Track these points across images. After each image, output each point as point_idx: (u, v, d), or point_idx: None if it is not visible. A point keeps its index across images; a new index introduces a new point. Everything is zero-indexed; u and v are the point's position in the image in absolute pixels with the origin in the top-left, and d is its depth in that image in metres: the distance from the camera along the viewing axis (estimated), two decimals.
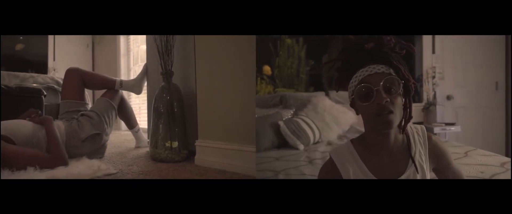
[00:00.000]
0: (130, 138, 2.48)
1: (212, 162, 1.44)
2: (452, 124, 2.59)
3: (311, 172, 1.23)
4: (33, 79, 2.89)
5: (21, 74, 2.95)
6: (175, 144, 1.57)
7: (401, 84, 0.60)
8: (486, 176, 1.10)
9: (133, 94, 3.29)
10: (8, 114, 1.57)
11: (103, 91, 1.87)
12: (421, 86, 2.81)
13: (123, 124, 3.59)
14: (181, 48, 1.78)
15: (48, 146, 1.41)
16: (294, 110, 2.04)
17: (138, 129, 2.09)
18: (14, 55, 3.60)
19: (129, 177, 1.28)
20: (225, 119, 1.41)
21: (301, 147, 1.68)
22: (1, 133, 1.32)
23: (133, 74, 3.70)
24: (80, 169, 1.31)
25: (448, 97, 2.76)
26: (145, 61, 3.45)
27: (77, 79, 1.77)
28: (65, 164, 1.35)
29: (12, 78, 2.81)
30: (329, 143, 1.78)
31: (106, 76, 1.91)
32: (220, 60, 1.44)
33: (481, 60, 2.65)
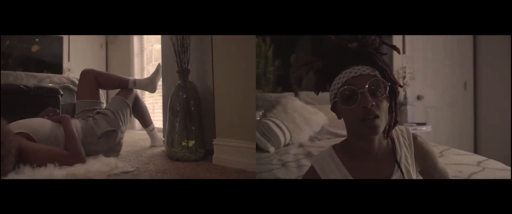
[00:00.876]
0: (144, 137, 2.51)
1: (230, 161, 1.44)
2: (423, 124, 2.62)
3: (285, 175, 1.22)
4: (49, 80, 3.01)
5: (38, 74, 3.08)
6: (192, 143, 1.59)
7: (388, 87, 0.58)
8: (464, 175, 1.10)
9: (146, 94, 3.35)
10: (27, 113, 1.63)
11: (117, 91, 1.92)
12: None
13: (137, 123, 3.67)
14: (198, 46, 1.79)
15: (66, 143, 1.46)
16: (262, 111, 2.02)
17: (153, 128, 2.12)
18: (30, 57, 3.75)
19: (146, 175, 1.30)
20: (243, 117, 1.41)
21: (272, 149, 1.66)
22: (22, 131, 1.37)
23: (147, 74, 3.77)
24: (98, 166, 1.35)
25: (419, 97, 2.78)
26: (158, 60, 3.50)
27: (92, 80, 1.83)
28: (82, 161, 1.39)
29: (30, 79, 2.94)
30: (300, 145, 1.75)
31: (119, 76, 1.96)
32: (238, 59, 1.44)
33: (450, 60, 2.71)
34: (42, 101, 2.16)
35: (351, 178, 0.61)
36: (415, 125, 2.69)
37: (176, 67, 1.69)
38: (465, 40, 2.68)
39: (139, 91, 2.14)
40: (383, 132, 0.61)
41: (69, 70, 3.98)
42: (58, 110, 1.79)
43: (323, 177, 0.63)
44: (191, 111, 1.62)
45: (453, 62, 2.70)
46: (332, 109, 0.65)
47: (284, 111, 1.87)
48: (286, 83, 2.41)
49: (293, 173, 1.22)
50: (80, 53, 4.11)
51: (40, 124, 1.48)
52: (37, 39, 3.79)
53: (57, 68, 3.86)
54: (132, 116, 1.99)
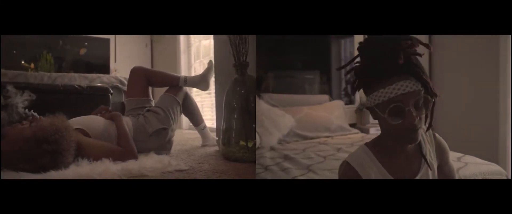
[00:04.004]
0: (193, 137, 2.56)
1: None
2: None
3: (272, 178, 1.27)
4: (99, 80, 3.30)
5: (89, 75, 3.40)
6: (251, 143, 1.54)
7: (431, 102, 0.66)
8: None
9: (194, 92, 3.47)
10: (81, 111, 1.78)
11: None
12: None
13: (184, 123, 3.82)
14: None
15: (119, 140, 1.53)
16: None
17: (205, 126, 2.13)
18: (79, 60, 4.20)
19: (201, 174, 1.30)
20: None
21: None
22: (79, 127, 1.49)
23: (194, 71, 3.92)
24: (151, 163, 1.39)
25: None
26: (206, 57, 3.59)
27: (142, 78, 1.91)
28: (135, 157, 1.46)
29: (82, 79, 3.27)
30: (272, 148, 1.75)
31: (169, 73, 2.02)
32: None
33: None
34: (94, 100, 2.37)
35: (386, 172, 0.70)
36: (378, 125, 2.74)
37: (231, 60, 1.66)
38: (422, 40, 2.66)
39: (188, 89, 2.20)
40: None
41: (115, 70, 4.33)
42: (109, 108, 1.93)
43: (361, 172, 0.70)
44: (251, 107, 1.57)
45: None
46: (368, 108, 0.71)
47: None
48: None
49: (281, 177, 1.27)
50: (125, 53, 4.44)
51: (94, 121, 1.60)
52: (86, 43, 4.24)
53: (104, 69, 4.24)
54: (182, 114, 2.04)
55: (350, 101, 3.05)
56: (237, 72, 1.65)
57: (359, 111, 2.95)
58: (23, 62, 3.78)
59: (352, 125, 2.71)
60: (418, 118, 0.63)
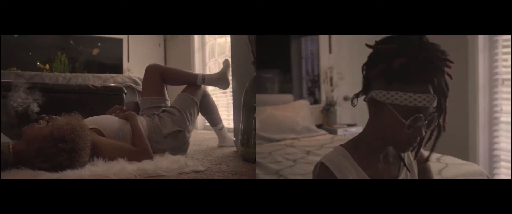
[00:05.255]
0: (208, 137, 2.56)
1: None
2: (353, 125, 2.87)
3: None
4: (113, 79, 3.36)
5: (103, 75, 3.47)
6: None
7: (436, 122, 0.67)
8: (434, 172, 1.28)
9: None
10: (96, 110, 1.81)
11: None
12: (319, 87, 3.06)
13: (199, 123, 3.84)
14: None
15: (133, 140, 1.54)
16: None
17: (222, 127, 2.11)
18: (92, 60, 4.30)
19: (219, 175, 1.28)
20: None
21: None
22: (94, 127, 1.50)
23: (208, 70, 3.93)
24: (166, 163, 1.38)
25: (346, 98, 3.01)
26: (221, 55, 3.59)
27: (157, 76, 1.90)
28: (150, 157, 1.46)
29: (96, 79, 3.34)
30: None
31: (187, 71, 1.99)
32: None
33: None
34: (108, 99, 2.41)
35: (367, 176, 0.69)
36: (346, 126, 2.86)
37: (249, 58, 1.64)
38: None
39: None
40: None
41: (128, 70, 4.41)
42: (124, 107, 1.95)
43: (338, 175, 0.67)
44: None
45: None
46: (372, 101, 0.68)
47: None
48: None
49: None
50: (138, 53, 4.52)
51: (109, 121, 1.60)
52: (99, 44, 4.34)
53: (117, 69, 4.34)
54: (200, 114, 2.03)
55: (315, 101, 3.03)
56: (256, 70, 1.63)
57: (325, 110, 2.94)
58: (38, 63, 3.90)
59: (318, 126, 2.66)
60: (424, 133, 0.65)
